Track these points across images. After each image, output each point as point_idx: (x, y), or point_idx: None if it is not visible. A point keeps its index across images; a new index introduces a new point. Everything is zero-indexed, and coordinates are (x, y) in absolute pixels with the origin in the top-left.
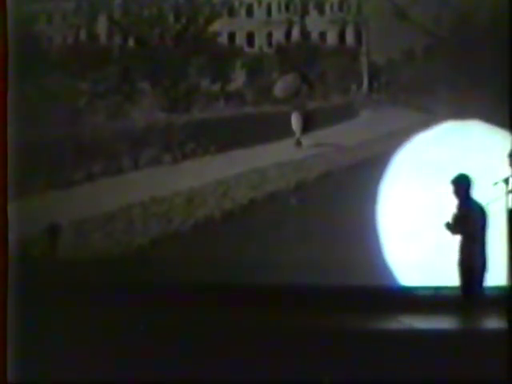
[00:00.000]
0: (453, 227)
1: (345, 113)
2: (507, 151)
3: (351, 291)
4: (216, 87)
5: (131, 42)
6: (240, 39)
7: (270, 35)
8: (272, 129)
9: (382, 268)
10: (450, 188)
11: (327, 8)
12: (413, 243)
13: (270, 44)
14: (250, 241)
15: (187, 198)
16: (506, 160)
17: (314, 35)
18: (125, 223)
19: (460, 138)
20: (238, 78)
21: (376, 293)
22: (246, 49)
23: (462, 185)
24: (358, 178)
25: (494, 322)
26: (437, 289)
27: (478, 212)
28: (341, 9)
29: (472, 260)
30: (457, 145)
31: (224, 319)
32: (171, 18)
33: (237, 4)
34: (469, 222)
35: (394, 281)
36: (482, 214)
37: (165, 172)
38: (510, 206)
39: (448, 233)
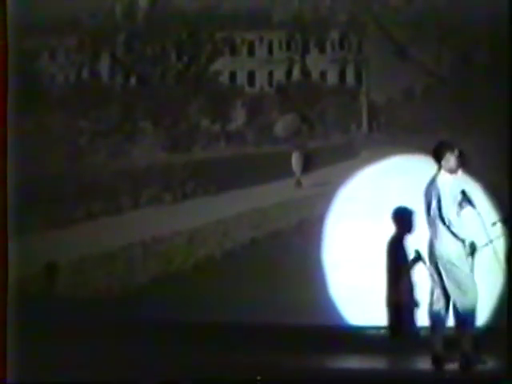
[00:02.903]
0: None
1: (345, 152)
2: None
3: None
4: (216, 127)
5: (133, 81)
6: (241, 78)
7: (270, 74)
8: (272, 168)
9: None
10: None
11: (328, 46)
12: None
13: (270, 83)
14: (250, 280)
15: (188, 237)
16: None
17: (315, 74)
18: (125, 262)
19: (406, 172)
20: (239, 118)
21: None
22: (247, 88)
23: (401, 218)
24: None
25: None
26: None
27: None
28: (341, 47)
29: (400, 298)
30: (403, 180)
31: (225, 358)
32: (173, 56)
33: (238, 41)
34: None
35: None
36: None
37: (165, 211)
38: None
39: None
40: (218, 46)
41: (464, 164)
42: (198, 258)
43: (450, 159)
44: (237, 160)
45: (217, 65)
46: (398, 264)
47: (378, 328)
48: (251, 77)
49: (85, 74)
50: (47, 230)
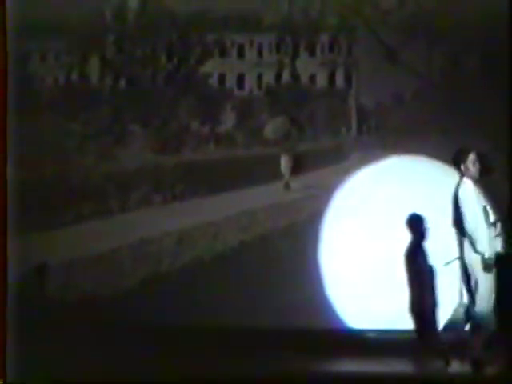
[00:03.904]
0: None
1: (334, 156)
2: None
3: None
4: (206, 129)
5: (123, 83)
6: (230, 81)
7: (260, 77)
8: (262, 171)
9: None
10: (405, 227)
11: (318, 49)
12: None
13: (260, 86)
14: (239, 283)
15: (177, 239)
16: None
17: (304, 77)
18: (114, 264)
19: (404, 173)
20: (228, 120)
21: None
22: (236, 91)
23: (416, 225)
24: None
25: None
26: (385, 332)
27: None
28: (331, 50)
29: (422, 303)
30: (401, 181)
31: (213, 361)
32: (163, 58)
33: (228, 43)
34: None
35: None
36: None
37: (154, 213)
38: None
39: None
40: (207, 48)
41: (487, 169)
42: (187, 260)
43: (469, 166)
44: (226, 162)
45: (206, 67)
46: (419, 270)
47: (368, 331)
48: (241, 79)
49: (74, 76)
50: (37, 233)
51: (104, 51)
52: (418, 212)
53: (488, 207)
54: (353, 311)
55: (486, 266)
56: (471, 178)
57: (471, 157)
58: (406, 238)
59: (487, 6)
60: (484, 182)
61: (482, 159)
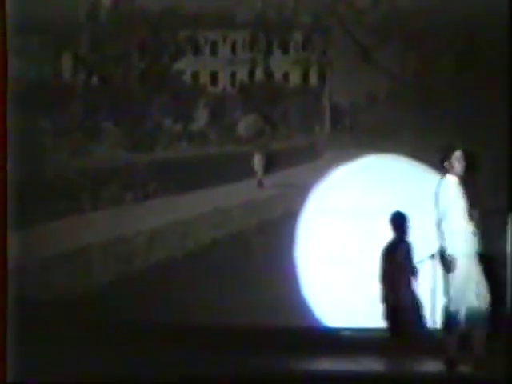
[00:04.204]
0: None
1: (307, 154)
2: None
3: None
4: (179, 126)
5: (95, 80)
6: (204, 78)
7: (233, 74)
8: (235, 169)
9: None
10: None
11: (291, 47)
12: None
13: (233, 83)
14: (212, 281)
15: (149, 237)
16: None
17: (278, 75)
18: (86, 262)
19: (378, 172)
20: (201, 118)
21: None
22: (210, 88)
23: (398, 222)
24: None
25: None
26: (359, 330)
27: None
28: (305, 48)
29: (397, 301)
30: (374, 179)
31: (184, 360)
32: (136, 56)
33: (202, 41)
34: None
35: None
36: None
37: (127, 211)
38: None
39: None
40: (180, 45)
41: (472, 166)
42: (160, 257)
43: (454, 162)
44: (199, 160)
45: (180, 64)
46: (396, 268)
47: (343, 329)
48: (214, 76)
49: (47, 72)
50: (9, 231)
51: (77, 48)
52: (401, 210)
53: (470, 205)
54: (328, 309)
55: (445, 263)
56: (455, 174)
57: (457, 153)
58: (381, 235)
59: (461, 6)
60: (467, 179)
61: (468, 157)
